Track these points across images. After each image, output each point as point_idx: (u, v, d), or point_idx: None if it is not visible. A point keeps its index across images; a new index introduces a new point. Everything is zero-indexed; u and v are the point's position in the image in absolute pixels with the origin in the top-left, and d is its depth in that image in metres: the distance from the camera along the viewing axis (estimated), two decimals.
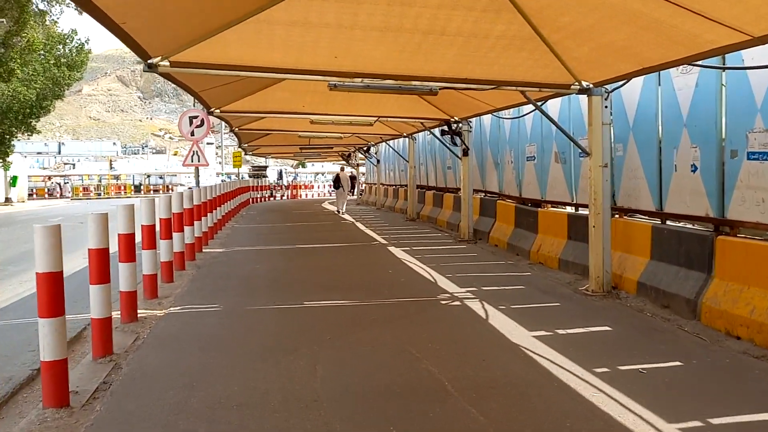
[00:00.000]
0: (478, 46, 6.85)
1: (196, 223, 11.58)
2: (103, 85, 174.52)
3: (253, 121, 17.42)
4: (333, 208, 27.34)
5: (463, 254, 11.54)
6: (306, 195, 44.72)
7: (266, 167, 64.48)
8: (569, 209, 10.02)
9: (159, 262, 8.45)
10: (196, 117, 12.21)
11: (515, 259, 10.68)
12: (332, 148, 25.65)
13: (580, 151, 8.50)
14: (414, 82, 7.73)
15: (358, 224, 18.06)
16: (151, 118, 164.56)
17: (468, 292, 7.90)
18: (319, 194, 46.88)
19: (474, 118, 13.42)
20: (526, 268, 9.85)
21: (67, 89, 28.94)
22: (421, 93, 8.42)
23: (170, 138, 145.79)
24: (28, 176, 65.05)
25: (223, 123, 51.84)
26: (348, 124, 14.32)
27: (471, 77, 7.69)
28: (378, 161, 24.96)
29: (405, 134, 18.90)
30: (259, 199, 33.19)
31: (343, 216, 21.66)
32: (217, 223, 15.84)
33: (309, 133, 19.02)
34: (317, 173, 77.90)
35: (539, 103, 8.64)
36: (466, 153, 13.37)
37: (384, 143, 24.19)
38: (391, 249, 12.28)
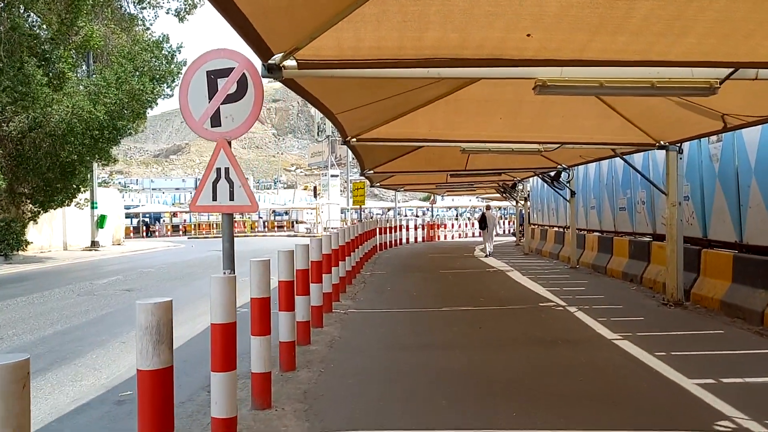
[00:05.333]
0: None
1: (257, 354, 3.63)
2: None
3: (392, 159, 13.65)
4: (490, 261, 18.78)
5: None
6: (444, 236, 36.42)
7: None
8: None
9: None
10: (224, 73, 4.27)
11: None
12: (500, 174, 17.16)
13: None
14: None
15: (581, 315, 9.32)
16: (282, 154, 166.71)
17: None
18: (459, 235, 38.45)
19: None
20: None
21: (153, 107, 22.89)
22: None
23: (301, 172, 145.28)
24: (131, 214, 62.59)
25: (350, 153, 45.23)
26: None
27: None
28: (573, 193, 16.05)
29: (661, 142, 10.02)
30: (386, 245, 25.18)
31: (526, 284, 13.03)
32: (318, 308, 7.98)
33: (477, 146, 10.69)
34: (448, 208, 69.70)
35: None
36: None
37: (587, 163, 15.27)
38: None
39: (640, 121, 9.21)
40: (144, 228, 59.16)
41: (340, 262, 11.59)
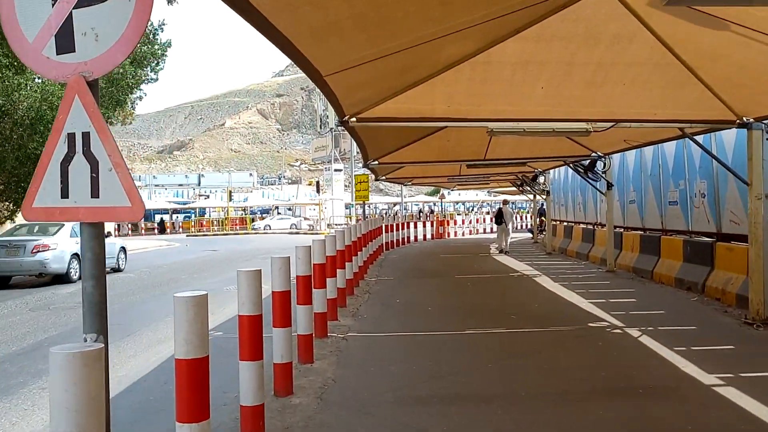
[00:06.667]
0: None
1: None
2: (244, 118, 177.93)
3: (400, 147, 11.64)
4: (512, 262, 16.72)
5: None
6: (454, 233, 34.22)
7: None
8: None
9: None
10: None
11: None
12: (524, 164, 14.99)
13: None
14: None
15: (648, 342, 7.16)
16: (286, 149, 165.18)
17: None
18: (470, 231, 36.29)
19: None
20: None
21: (135, 92, 20.91)
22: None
23: (305, 168, 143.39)
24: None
25: (354, 144, 43.04)
26: None
27: None
28: (610, 185, 13.86)
29: (744, 119, 7.85)
30: (392, 244, 23.17)
31: (562, 293, 10.90)
32: (308, 337, 5.97)
33: (508, 125, 8.49)
34: (455, 202, 67.43)
35: None
36: None
37: (632, 149, 13.05)
38: None
39: (725, 89, 7.06)
40: (158, 226, 56.75)
41: (338, 271, 9.53)
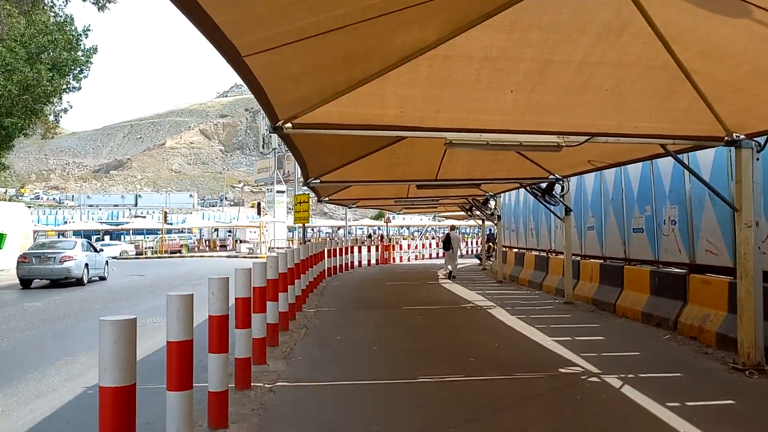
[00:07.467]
0: None
1: None
2: (186, 138, 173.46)
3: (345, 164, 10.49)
4: (463, 291, 15.62)
5: None
6: (400, 258, 33.02)
7: None
8: None
9: None
10: None
11: None
12: (478, 186, 13.91)
13: None
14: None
15: (633, 394, 5.98)
16: (229, 170, 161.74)
17: None
18: (416, 257, 35.17)
19: None
20: None
21: (54, 101, 18.98)
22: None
23: (248, 189, 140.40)
24: (60, 232, 57.28)
25: (297, 166, 41.47)
26: None
27: None
28: (569, 210, 12.94)
29: (735, 135, 6.94)
30: (335, 270, 21.86)
31: (522, 329, 9.75)
32: (220, 396, 4.52)
33: (469, 137, 7.27)
34: (400, 227, 66.54)
35: None
36: None
37: (597, 171, 12.15)
38: None
39: (724, 97, 6.11)
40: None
41: (269, 303, 8.09)
